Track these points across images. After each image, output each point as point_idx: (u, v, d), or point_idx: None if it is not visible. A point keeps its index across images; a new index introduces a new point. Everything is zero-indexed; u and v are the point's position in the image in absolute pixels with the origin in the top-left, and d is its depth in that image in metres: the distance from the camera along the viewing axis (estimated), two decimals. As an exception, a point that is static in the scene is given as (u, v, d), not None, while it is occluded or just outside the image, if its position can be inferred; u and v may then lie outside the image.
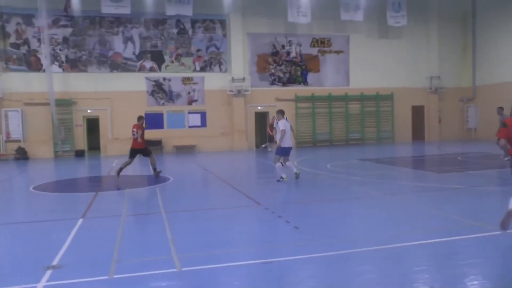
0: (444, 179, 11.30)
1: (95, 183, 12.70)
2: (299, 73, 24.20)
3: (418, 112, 26.77)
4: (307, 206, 8.11)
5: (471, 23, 26.83)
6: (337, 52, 24.66)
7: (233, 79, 22.53)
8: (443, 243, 5.67)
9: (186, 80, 22.94)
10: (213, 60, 22.99)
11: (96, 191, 10.36)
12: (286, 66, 23.98)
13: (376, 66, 24.93)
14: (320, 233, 6.21)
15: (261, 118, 24.24)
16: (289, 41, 24.02)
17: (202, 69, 22.99)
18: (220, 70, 23.03)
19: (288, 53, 23.93)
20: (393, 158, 16.82)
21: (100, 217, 7.69)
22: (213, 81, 22.77)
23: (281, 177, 11.40)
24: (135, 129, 13.39)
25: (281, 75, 23.94)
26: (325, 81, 24.41)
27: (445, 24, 26.45)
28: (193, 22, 22.78)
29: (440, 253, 5.29)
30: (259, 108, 23.42)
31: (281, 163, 11.58)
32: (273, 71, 23.79)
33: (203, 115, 22.99)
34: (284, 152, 11.62)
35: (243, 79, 22.60)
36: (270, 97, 23.18)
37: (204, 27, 22.87)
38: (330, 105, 24.09)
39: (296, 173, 11.62)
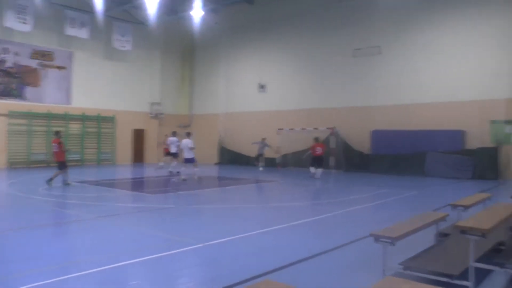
0: (158, 200, 12.28)
1: None
2: (14, 85, 22.01)
3: (139, 135, 27.38)
4: (4, 236, 8.41)
5: (189, 58, 29.54)
6: (60, 67, 23.97)
7: None
8: (155, 259, 6.58)
9: None
10: None
11: None
12: (0, 76, 21.26)
13: (99, 86, 25.54)
14: (26, 262, 6.39)
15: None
16: (5, 49, 21.54)
17: None
18: None
19: (3, 62, 21.37)
20: (112, 180, 17.35)
21: None
22: None
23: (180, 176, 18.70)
24: (55, 144, 15.45)
25: (-6, 86, 21.61)
26: (45, 98, 23.32)
27: (167, 55, 29.25)
28: None
29: (154, 269, 6.17)
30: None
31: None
32: (-16, 80, 21.23)
33: None
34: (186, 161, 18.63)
35: None
36: (-22, 110, 21.11)
37: None
38: (49, 123, 22.51)
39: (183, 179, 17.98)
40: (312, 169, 20.07)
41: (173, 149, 21.94)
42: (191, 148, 18.18)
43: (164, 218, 10.37)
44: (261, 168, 24.80)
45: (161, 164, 24.65)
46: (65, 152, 16.06)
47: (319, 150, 19.79)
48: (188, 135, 19.21)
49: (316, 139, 20.33)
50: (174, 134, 22.43)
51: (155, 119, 31.76)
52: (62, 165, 15.85)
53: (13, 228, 8.79)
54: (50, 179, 15.61)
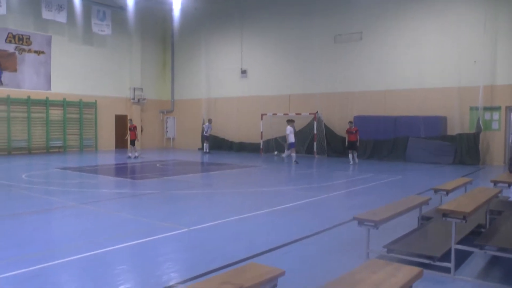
0: (142, 185, 12.49)
1: None
2: (-9, 70, 21.83)
3: (121, 121, 27.13)
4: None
5: (170, 43, 29.14)
6: (38, 52, 23.55)
7: None
8: (139, 244, 6.64)
9: None
10: None
11: None
12: (-24, 61, 21.28)
13: (80, 72, 25.30)
14: (9, 250, 6.36)
15: None
16: (-20, 33, 21.57)
17: None
18: None
19: (-21, 47, 21.39)
20: (95, 166, 17.45)
21: None
22: None
23: (295, 161, 20.07)
24: None
25: (-31, 71, 21.23)
26: (24, 83, 22.89)
27: (148, 40, 29.22)
28: None
29: (138, 254, 6.25)
30: None
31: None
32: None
33: None
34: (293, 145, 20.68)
35: None
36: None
37: None
38: (29, 109, 22.43)
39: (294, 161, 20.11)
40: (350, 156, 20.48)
41: (206, 133, 26.71)
42: (288, 135, 20.40)
43: (148, 203, 10.38)
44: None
45: (134, 154, 22.83)
46: None
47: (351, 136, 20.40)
48: (289, 122, 20.94)
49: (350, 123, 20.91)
50: (210, 121, 26.92)
51: (137, 105, 31.42)
52: None
53: (1, 215, 8.74)
54: None
